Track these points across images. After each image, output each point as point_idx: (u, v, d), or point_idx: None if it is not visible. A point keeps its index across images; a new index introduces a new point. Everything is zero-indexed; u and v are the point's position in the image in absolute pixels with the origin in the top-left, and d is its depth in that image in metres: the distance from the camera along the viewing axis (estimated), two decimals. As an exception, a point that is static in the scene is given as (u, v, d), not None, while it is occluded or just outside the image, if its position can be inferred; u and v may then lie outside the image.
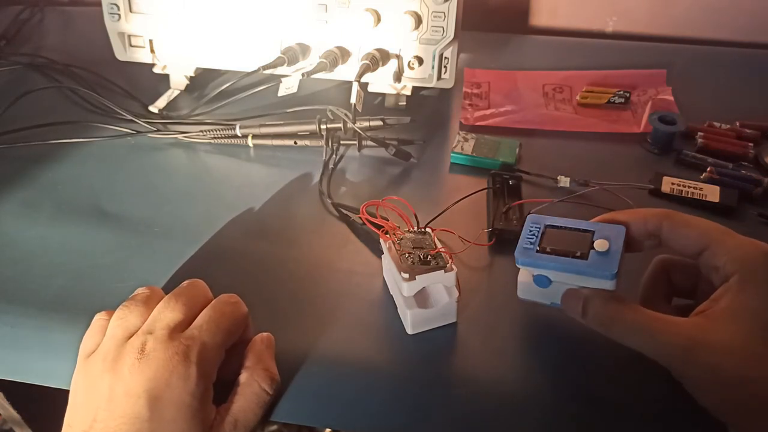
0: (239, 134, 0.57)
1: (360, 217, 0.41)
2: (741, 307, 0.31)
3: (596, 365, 0.37)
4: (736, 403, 0.31)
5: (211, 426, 0.33)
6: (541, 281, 0.37)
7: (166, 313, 0.35)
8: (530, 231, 0.37)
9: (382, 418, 0.37)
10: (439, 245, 0.39)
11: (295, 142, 0.57)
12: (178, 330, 0.34)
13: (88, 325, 0.37)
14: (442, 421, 0.36)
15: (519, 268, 0.38)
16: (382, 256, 0.42)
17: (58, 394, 0.36)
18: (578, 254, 0.35)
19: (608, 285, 0.34)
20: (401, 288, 0.37)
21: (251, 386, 0.35)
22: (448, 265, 0.37)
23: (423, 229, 0.40)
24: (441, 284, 0.39)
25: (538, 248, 0.36)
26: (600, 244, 0.35)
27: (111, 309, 0.41)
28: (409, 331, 0.39)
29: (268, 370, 0.36)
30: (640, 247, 0.37)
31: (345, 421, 0.37)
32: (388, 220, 0.40)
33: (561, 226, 0.37)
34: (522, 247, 0.36)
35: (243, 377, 0.35)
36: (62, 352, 0.40)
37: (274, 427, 0.88)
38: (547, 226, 0.37)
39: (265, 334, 0.38)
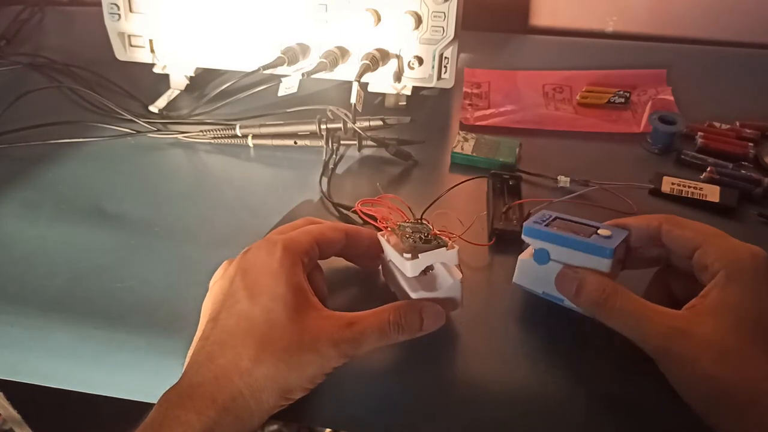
0: (239, 134, 0.57)
1: (356, 211, 0.42)
2: (724, 302, 0.32)
3: (597, 365, 0.37)
4: (710, 399, 0.31)
5: (313, 305, 0.34)
6: (541, 257, 0.38)
7: None
8: (541, 216, 0.39)
9: (383, 418, 0.37)
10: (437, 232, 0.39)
11: (295, 142, 0.57)
12: None
13: (88, 325, 0.37)
14: (443, 421, 0.36)
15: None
16: (382, 255, 0.42)
17: (58, 394, 0.36)
18: (581, 234, 0.37)
19: (604, 265, 0.35)
20: (404, 269, 0.36)
21: (385, 315, 0.34)
22: (449, 243, 0.37)
23: (420, 221, 0.40)
24: (444, 271, 0.38)
25: (545, 226, 0.38)
26: (602, 232, 0.37)
27: (110, 310, 0.41)
28: None
29: (418, 317, 0.35)
30: (642, 263, 0.39)
31: (345, 421, 0.37)
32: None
33: (569, 219, 0.39)
34: (531, 221, 0.38)
35: (393, 305, 0.35)
36: (62, 352, 0.40)
37: (274, 427, 0.88)
38: (556, 217, 0.39)
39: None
